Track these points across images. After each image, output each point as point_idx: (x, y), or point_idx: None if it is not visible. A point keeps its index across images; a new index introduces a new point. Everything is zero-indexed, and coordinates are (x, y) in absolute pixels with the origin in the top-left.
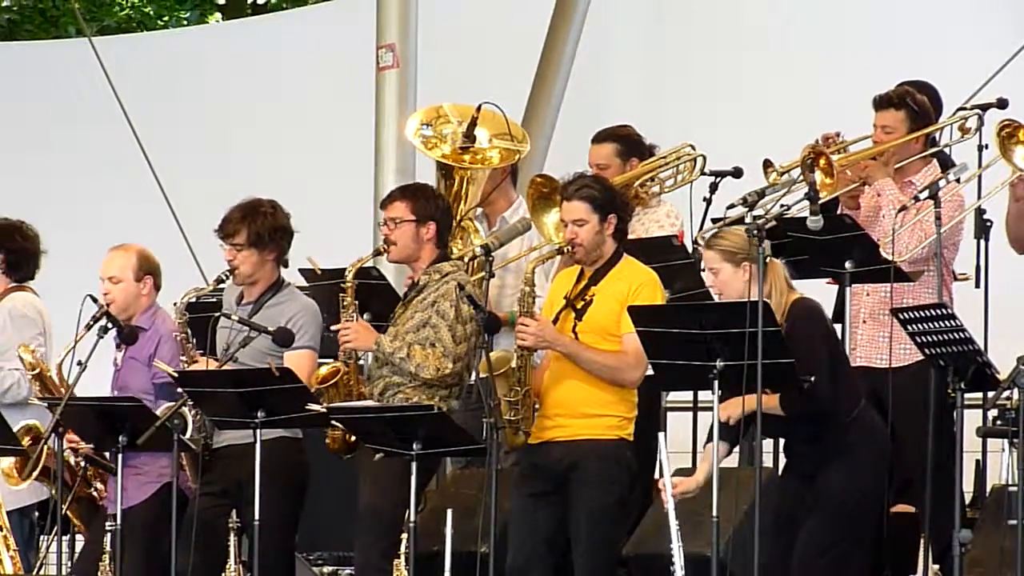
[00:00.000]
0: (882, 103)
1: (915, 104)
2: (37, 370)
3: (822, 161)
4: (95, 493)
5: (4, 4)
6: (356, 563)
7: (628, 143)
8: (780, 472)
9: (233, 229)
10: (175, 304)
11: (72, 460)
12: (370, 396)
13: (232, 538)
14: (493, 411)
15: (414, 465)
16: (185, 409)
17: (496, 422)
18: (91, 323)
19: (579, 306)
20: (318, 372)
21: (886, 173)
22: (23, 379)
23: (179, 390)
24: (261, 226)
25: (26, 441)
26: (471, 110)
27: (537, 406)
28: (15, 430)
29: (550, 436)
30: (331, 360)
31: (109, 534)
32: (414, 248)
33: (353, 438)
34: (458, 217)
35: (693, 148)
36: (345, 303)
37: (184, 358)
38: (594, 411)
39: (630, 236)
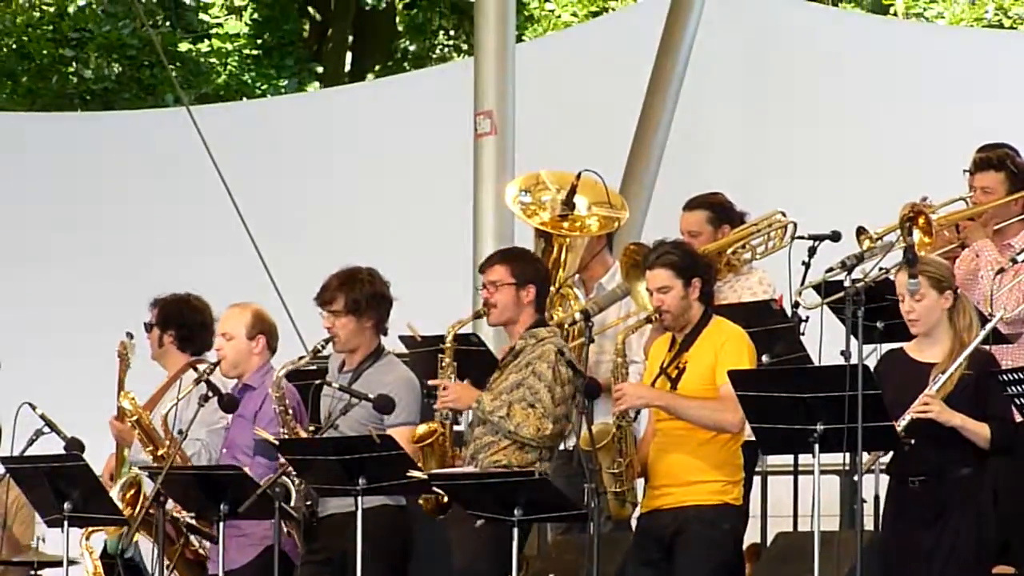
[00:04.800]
0: (982, 165)
1: (1015, 166)
2: (136, 417)
3: (921, 220)
4: (201, 551)
5: (102, 73)
6: None
7: (719, 210)
8: (885, 526)
9: (331, 296)
10: (275, 377)
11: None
12: (463, 460)
13: None
14: (593, 476)
15: (515, 531)
16: (288, 479)
17: (597, 487)
18: (193, 386)
19: (673, 375)
20: (415, 431)
21: (985, 234)
22: (203, 449)
23: (280, 459)
24: (359, 293)
25: (129, 494)
26: (569, 177)
27: (645, 477)
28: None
29: (658, 504)
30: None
31: None
32: (514, 311)
33: (446, 498)
34: (557, 284)
35: (784, 215)
36: (443, 364)
37: (284, 429)
38: (697, 478)
39: (724, 302)
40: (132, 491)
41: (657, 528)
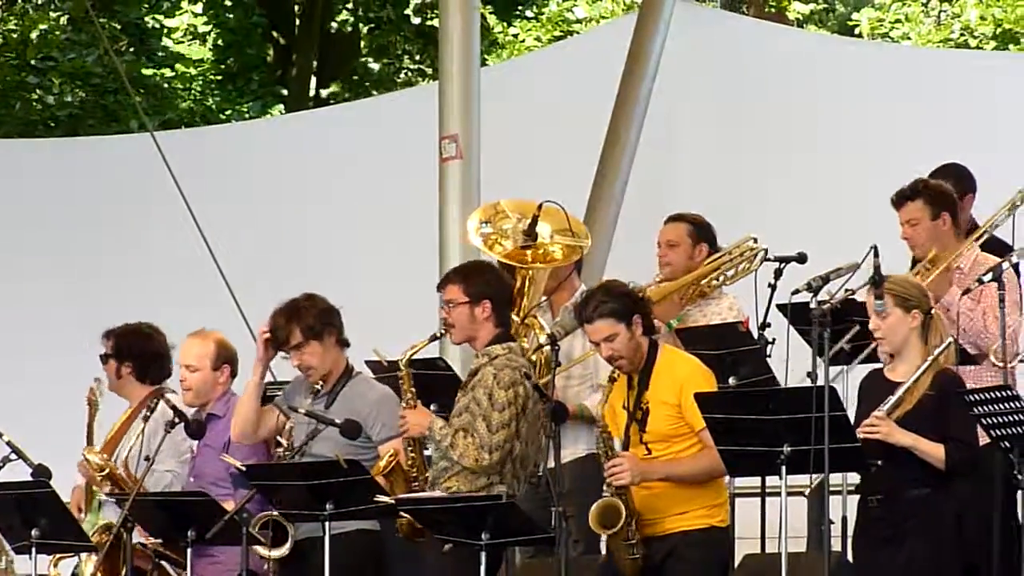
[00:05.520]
0: (900, 198)
1: (930, 189)
2: (106, 471)
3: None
4: None
5: (66, 100)
6: None
7: (701, 228)
8: (852, 545)
9: (286, 334)
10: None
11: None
12: (427, 483)
13: None
14: (561, 499)
15: (483, 555)
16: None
17: (564, 511)
18: (149, 413)
19: (639, 416)
20: (377, 464)
21: (948, 281)
22: (175, 480)
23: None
24: (309, 318)
25: (103, 538)
26: (530, 205)
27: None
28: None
29: (646, 533)
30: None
31: None
32: (471, 329)
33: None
34: (521, 315)
35: (756, 241)
36: (403, 390)
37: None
38: (683, 508)
39: (692, 325)
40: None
41: (646, 555)
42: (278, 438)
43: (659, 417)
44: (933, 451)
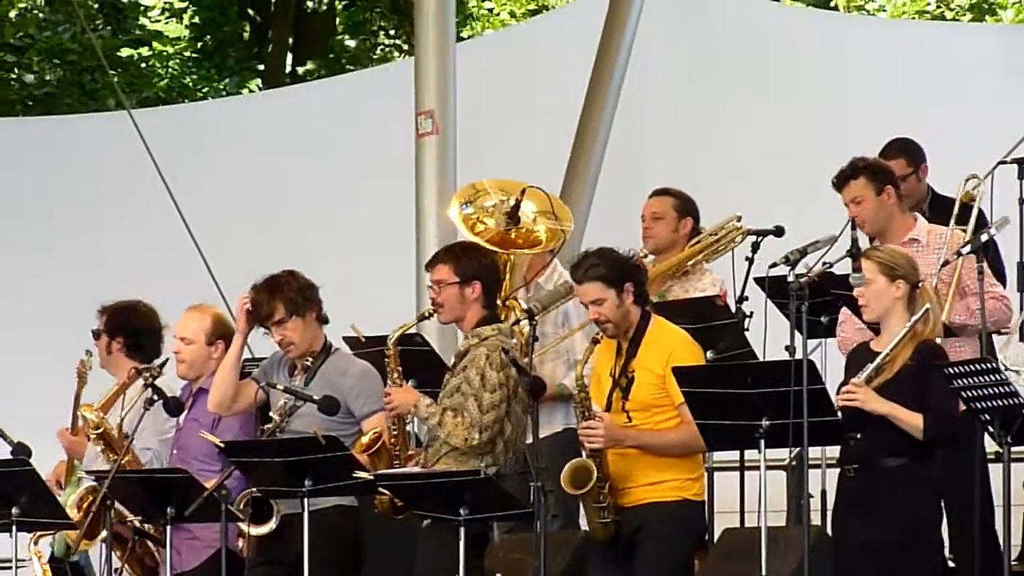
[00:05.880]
0: (841, 180)
1: (870, 167)
2: (101, 429)
3: None
4: (156, 555)
5: (45, 78)
6: None
7: (685, 202)
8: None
9: (269, 310)
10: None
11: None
12: (420, 462)
13: None
14: (540, 475)
15: (462, 531)
16: None
17: (543, 486)
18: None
19: (624, 384)
20: (360, 441)
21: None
22: (155, 459)
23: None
24: (292, 293)
25: (87, 503)
26: (512, 185)
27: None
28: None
29: (619, 503)
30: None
31: None
32: (460, 309)
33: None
34: (502, 297)
35: (740, 219)
36: (389, 369)
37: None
38: (657, 478)
39: (672, 299)
40: (91, 499)
41: (618, 521)
42: (271, 414)
43: (643, 386)
44: (911, 420)
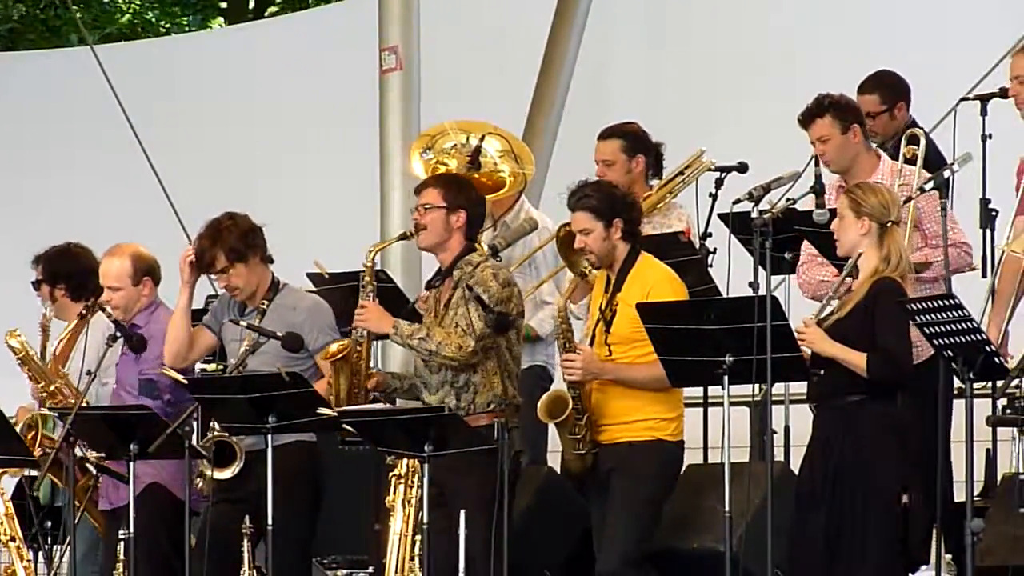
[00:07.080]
0: (807, 117)
1: (836, 105)
2: (23, 353)
3: None
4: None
5: (7, 14)
6: None
7: (634, 139)
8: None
9: (211, 257)
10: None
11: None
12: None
13: (246, 544)
14: (506, 411)
15: (426, 467)
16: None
17: (506, 422)
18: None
19: (608, 317)
20: (328, 348)
21: None
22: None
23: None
24: (232, 240)
25: (28, 436)
26: (474, 125)
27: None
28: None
29: (596, 439)
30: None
31: (122, 541)
32: (444, 235)
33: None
34: None
35: (703, 152)
36: (364, 283)
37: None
38: (634, 417)
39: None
40: (31, 433)
41: (596, 464)
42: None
43: (624, 319)
44: (858, 361)
